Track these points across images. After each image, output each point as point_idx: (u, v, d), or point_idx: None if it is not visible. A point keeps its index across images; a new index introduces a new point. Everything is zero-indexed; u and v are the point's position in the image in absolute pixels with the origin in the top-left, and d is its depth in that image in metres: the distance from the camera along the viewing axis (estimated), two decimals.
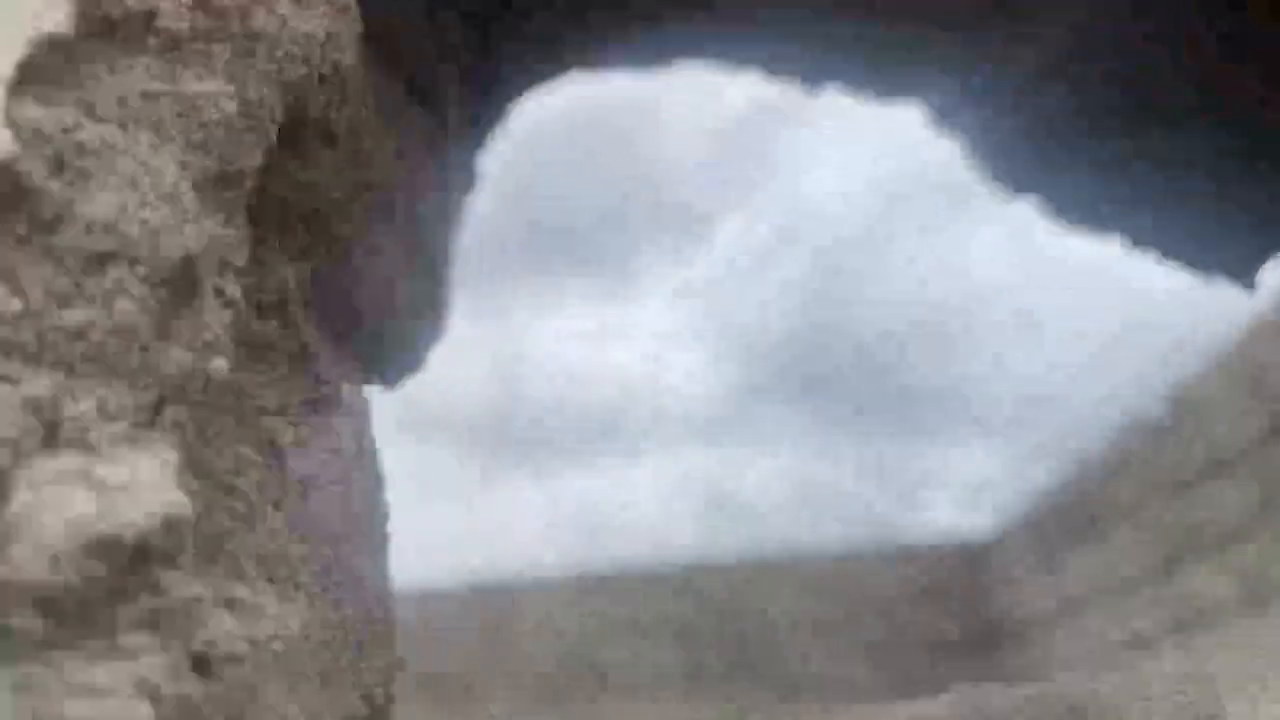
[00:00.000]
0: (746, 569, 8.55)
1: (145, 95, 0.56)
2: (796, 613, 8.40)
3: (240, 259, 0.59)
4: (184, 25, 0.59)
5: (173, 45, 0.58)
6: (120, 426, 0.51)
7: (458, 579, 8.53)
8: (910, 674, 8.23)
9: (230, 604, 0.57)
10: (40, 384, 0.49)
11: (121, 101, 0.56)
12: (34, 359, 0.49)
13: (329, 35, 0.62)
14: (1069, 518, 6.89)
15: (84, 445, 0.50)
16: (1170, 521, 5.60)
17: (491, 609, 8.38)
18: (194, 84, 0.58)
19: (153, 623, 0.47)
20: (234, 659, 0.53)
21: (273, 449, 0.65)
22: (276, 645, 0.58)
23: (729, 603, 8.42)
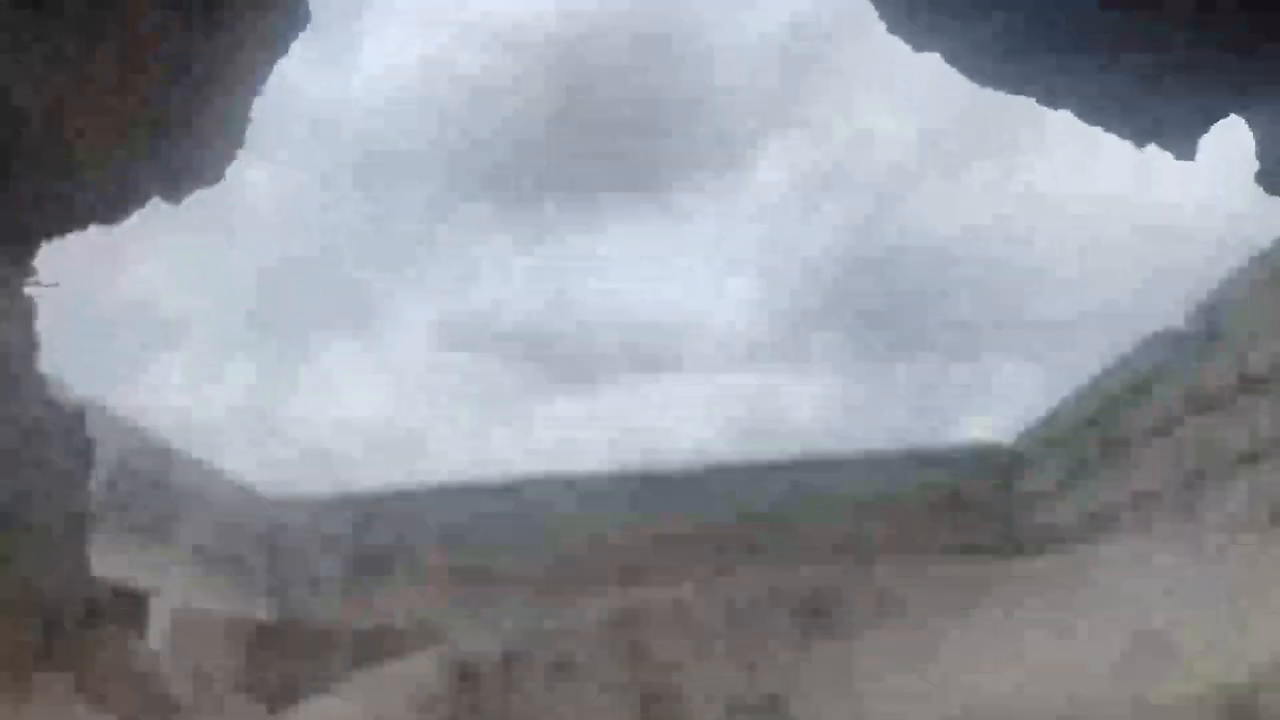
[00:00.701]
0: (781, 480, 8.72)
1: None
2: (828, 524, 8.58)
3: None
4: None
5: None
6: None
7: (504, 480, 8.79)
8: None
9: None
10: None
11: None
12: None
13: None
14: (1097, 434, 6.96)
15: None
16: (1197, 438, 5.66)
17: (533, 507, 8.64)
18: None
19: None
20: None
21: None
22: None
23: (761, 510, 8.62)
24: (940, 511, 8.65)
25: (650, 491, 8.73)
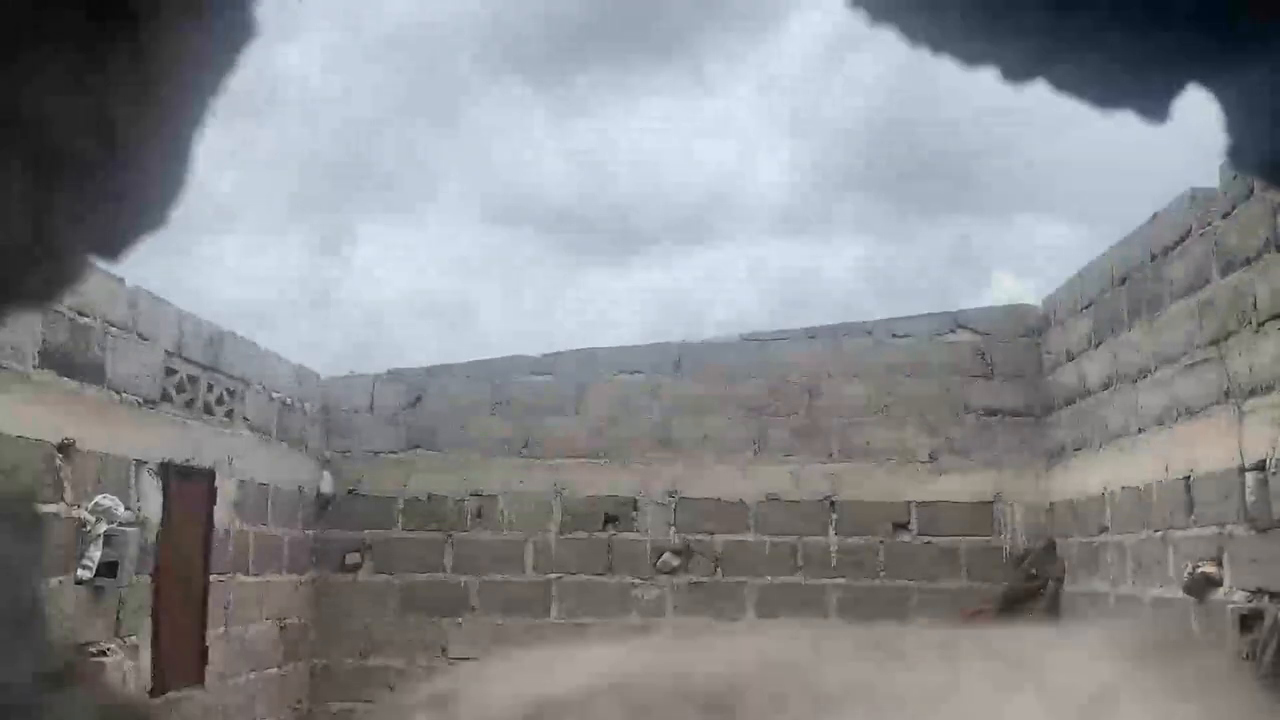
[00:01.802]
0: (813, 345, 8.90)
1: None
2: (860, 385, 8.80)
3: None
4: None
5: None
6: None
7: (541, 350, 9.03)
8: (965, 441, 8.68)
9: None
10: None
11: None
12: None
13: None
14: (1126, 292, 7.05)
15: None
16: (1225, 296, 5.76)
17: (574, 377, 8.91)
18: None
19: None
20: None
21: None
22: None
23: (797, 377, 8.84)
24: (969, 373, 8.82)
25: (686, 360, 8.93)
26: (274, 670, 8.03)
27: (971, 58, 0.66)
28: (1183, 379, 6.19)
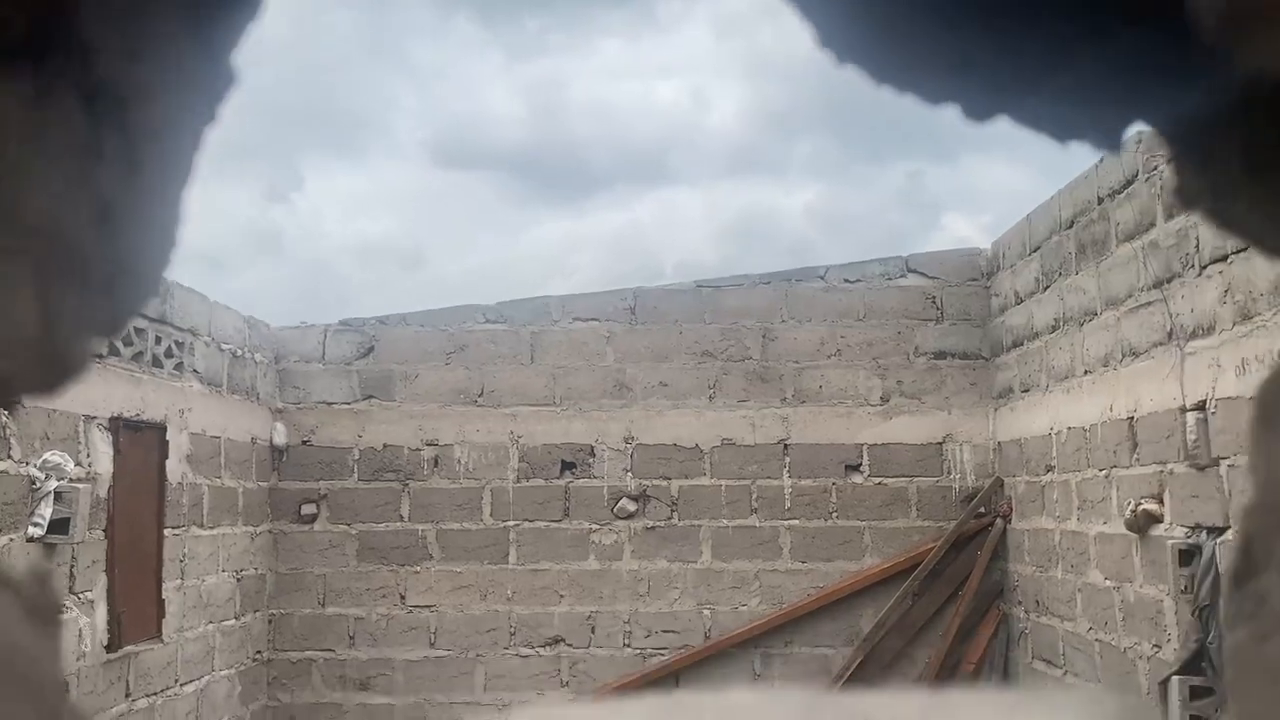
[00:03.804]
0: (766, 292, 8.95)
1: None
2: (811, 330, 8.88)
3: None
4: None
5: None
6: None
7: (495, 297, 8.99)
8: (916, 384, 8.82)
9: None
10: None
11: None
12: None
13: None
14: (1074, 235, 7.16)
15: None
16: (1170, 239, 5.87)
17: (527, 324, 8.89)
18: None
19: None
20: None
21: None
22: None
23: (751, 323, 8.89)
24: (920, 317, 8.94)
25: (641, 307, 8.95)
26: (232, 621, 8.02)
27: (934, 97, 0.70)
28: (1128, 321, 6.33)
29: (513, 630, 8.63)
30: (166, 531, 7.06)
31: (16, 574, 0.50)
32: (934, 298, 8.90)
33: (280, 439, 8.70)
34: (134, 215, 0.65)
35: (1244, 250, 5.17)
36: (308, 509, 8.74)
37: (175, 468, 7.16)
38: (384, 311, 8.92)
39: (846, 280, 8.96)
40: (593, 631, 8.62)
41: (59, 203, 0.60)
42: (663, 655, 8.55)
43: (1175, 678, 5.29)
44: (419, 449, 8.76)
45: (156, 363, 6.96)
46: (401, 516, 8.73)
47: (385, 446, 8.77)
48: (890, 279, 8.94)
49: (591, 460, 8.76)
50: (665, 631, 8.60)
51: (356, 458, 8.78)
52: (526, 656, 8.63)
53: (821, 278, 8.99)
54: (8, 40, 0.54)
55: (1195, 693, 5.22)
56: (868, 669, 8.39)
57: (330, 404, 8.82)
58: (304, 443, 8.77)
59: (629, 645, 8.60)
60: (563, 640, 8.63)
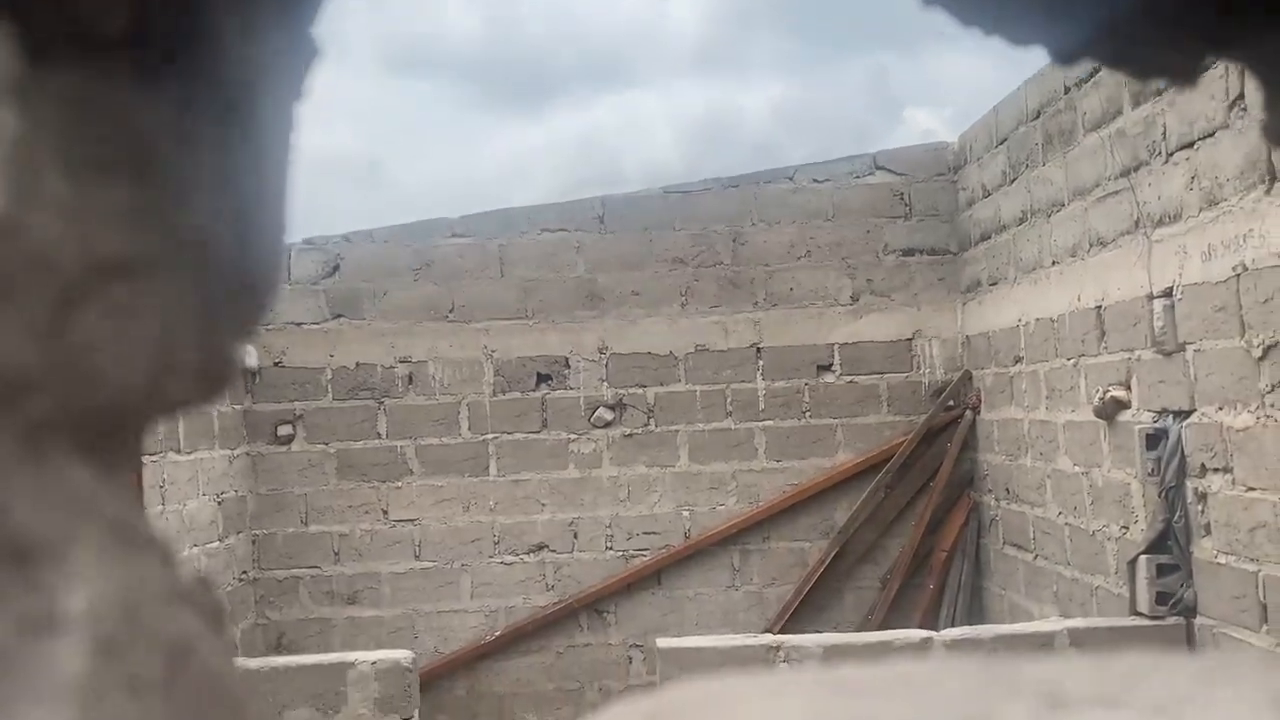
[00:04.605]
0: (733, 195, 8.90)
1: None
2: (781, 231, 8.87)
3: None
4: None
5: None
6: None
7: (459, 210, 8.89)
8: (885, 282, 8.87)
9: None
10: None
11: None
12: None
13: None
14: (1040, 125, 7.15)
15: None
16: (1136, 127, 5.88)
17: (493, 240, 8.81)
18: None
19: None
20: None
21: None
22: None
23: (720, 228, 8.86)
24: (888, 215, 8.95)
25: (609, 215, 8.88)
26: (216, 544, 8.08)
27: (1022, 39, 0.69)
28: (1095, 210, 6.37)
29: (496, 539, 8.76)
30: (145, 458, 7.04)
31: (187, 583, 0.51)
32: (902, 194, 8.89)
33: (251, 361, 8.65)
34: (262, 210, 0.64)
35: (1211, 135, 5.19)
36: (284, 430, 8.74)
37: None
38: (347, 228, 8.80)
39: (815, 180, 8.92)
40: (575, 537, 8.76)
41: (207, 208, 0.59)
42: (644, 556, 8.73)
43: (1143, 557, 5.49)
44: (392, 366, 8.74)
45: None
46: (379, 434, 8.75)
47: (358, 365, 8.74)
48: (858, 177, 8.91)
49: (567, 371, 8.79)
50: (646, 534, 8.76)
51: (329, 377, 8.76)
52: (511, 564, 8.78)
53: (790, 179, 8.95)
54: (128, 32, 0.52)
55: (1162, 570, 5.42)
56: (843, 560, 8.62)
57: (300, 324, 8.75)
58: (276, 364, 8.73)
59: (611, 548, 8.76)
60: (546, 546, 8.77)
